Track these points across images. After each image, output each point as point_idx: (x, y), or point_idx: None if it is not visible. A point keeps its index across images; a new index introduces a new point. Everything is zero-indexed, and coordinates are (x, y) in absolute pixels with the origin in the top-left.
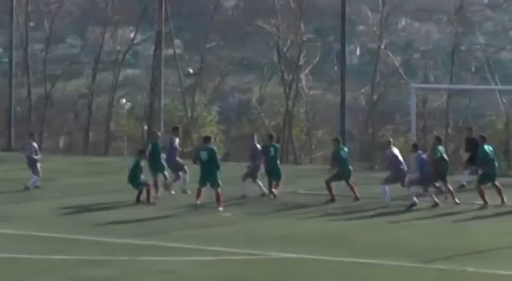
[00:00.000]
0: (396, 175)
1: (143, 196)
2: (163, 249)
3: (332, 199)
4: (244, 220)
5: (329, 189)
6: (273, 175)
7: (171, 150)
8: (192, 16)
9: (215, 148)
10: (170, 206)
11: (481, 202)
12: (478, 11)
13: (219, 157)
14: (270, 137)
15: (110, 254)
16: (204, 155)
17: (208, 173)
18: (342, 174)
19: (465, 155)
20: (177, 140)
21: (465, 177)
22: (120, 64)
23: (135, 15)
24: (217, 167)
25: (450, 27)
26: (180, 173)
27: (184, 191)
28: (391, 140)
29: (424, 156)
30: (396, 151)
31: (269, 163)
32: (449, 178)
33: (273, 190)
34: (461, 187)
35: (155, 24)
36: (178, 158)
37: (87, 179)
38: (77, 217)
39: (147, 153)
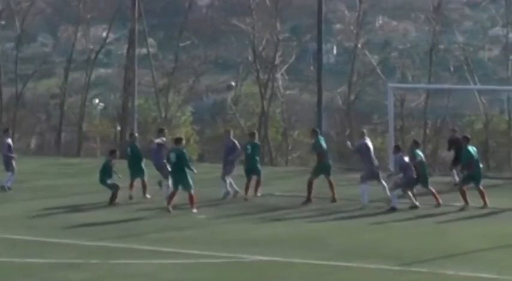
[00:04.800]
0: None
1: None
2: (137, 252)
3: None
4: (218, 222)
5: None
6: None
7: (158, 153)
8: (166, 14)
9: (184, 150)
10: (143, 209)
11: (462, 203)
12: (457, 9)
13: (193, 157)
14: (251, 135)
15: (83, 258)
16: (173, 156)
17: (179, 175)
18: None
19: (448, 156)
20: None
21: (455, 176)
22: (92, 63)
23: (108, 13)
24: (188, 169)
25: (428, 26)
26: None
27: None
28: (364, 130)
29: (406, 158)
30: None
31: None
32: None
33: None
34: (456, 186)
35: (128, 22)
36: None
37: (59, 180)
38: (49, 219)
39: (127, 155)
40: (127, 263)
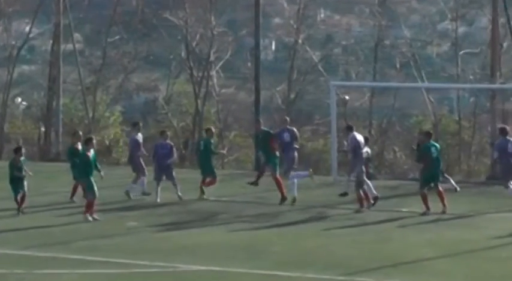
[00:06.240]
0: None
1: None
2: (63, 261)
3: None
4: (151, 229)
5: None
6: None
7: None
8: (93, 7)
9: (92, 153)
10: (69, 214)
11: (423, 208)
12: (403, 2)
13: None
14: (206, 130)
15: (6, 267)
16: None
17: (83, 179)
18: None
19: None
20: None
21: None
22: (14, 60)
23: (31, 6)
24: (94, 173)
25: (373, 20)
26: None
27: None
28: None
29: (359, 138)
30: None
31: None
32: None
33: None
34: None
35: (53, 16)
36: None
37: None
38: None
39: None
40: (53, 273)
